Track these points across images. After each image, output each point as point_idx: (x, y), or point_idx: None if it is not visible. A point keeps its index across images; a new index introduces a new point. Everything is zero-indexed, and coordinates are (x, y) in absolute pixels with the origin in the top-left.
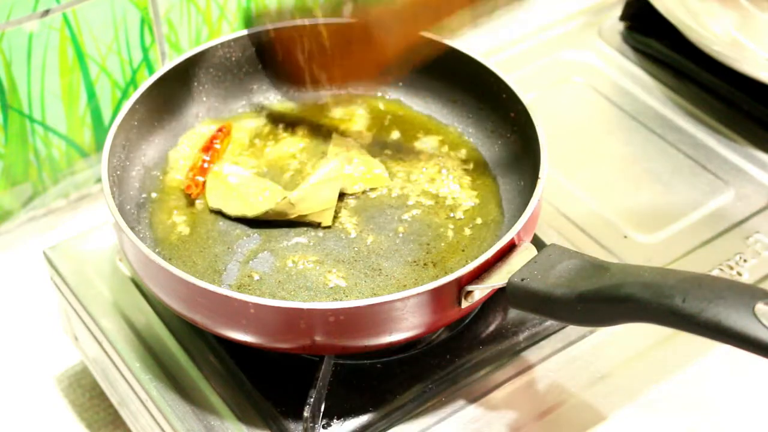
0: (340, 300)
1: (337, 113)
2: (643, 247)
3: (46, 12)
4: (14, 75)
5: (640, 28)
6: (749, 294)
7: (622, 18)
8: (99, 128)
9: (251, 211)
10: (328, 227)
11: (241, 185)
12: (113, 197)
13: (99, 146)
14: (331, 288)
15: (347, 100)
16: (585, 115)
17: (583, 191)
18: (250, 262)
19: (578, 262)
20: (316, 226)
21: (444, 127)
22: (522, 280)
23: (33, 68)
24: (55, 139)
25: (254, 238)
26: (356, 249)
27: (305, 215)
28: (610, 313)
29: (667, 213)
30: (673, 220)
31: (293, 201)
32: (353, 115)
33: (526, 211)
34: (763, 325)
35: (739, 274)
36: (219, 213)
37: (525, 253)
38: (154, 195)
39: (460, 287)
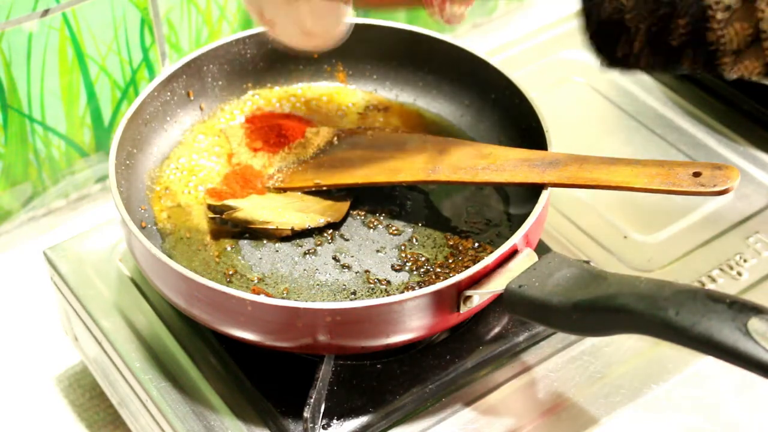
0: (345, 300)
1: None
2: (643, 247)
3: (46, 12)
4: (14, 75)
5: None
6: (742, 309)
7: None
8: (99, 128)
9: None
10: (338, 226)
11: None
12: (119, 191)
13: (99, 146)
14: (338, 289)
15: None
16: (585, 115)
17: (583, 191)
18: (255, 259)
19: (576, 271)
20: (327, 225)
21: (453, 129)
22: (520, 287)
23: (33, 68)
24: (54, 139)
25: (258, 234)
26: (365, 248)
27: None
28: (605, 323)
29: (667, 213)
30: (673, 220)
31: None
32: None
33: (529, 218)
34: (754, 341)
35: (739, 274)
36: (223, 210)
37: (525, 260)
38: (158, 190)
39: (459, 292)
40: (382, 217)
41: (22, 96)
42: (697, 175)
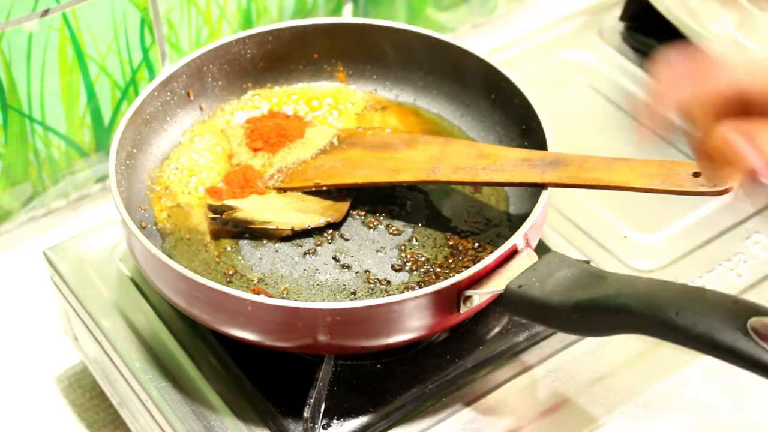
0: (345, 300)
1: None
2: (643, 247)
3: (46, 12)
4: (14, 75)
5: (640, 28)
6: (742, 309)
7: (622, 18)
8: (99, 128)
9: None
10: (338, 226)
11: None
12: (119, 191)
13: (99, 146)
14: (338, 289)
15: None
16: (585, 115)
17: (583, 191)
18: (255, 259)
19: (577, 271)
20: (327, 225)
21: (453, 129)
22: (519, 286)
23: (33, 68)
24: (54, 139)
25: (258, 234)
26: (365, 248)
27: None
28: (605, 324)
29: (667, 213)
30: (673, 220)
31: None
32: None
33: (529, 218)
34: (754, 341)
35: (739, 274)
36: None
37: (525, 260)
38: (158, 190)
39: (459, 292)
40: (382, 217)
41: (22, 96)
42: (697, 175)
